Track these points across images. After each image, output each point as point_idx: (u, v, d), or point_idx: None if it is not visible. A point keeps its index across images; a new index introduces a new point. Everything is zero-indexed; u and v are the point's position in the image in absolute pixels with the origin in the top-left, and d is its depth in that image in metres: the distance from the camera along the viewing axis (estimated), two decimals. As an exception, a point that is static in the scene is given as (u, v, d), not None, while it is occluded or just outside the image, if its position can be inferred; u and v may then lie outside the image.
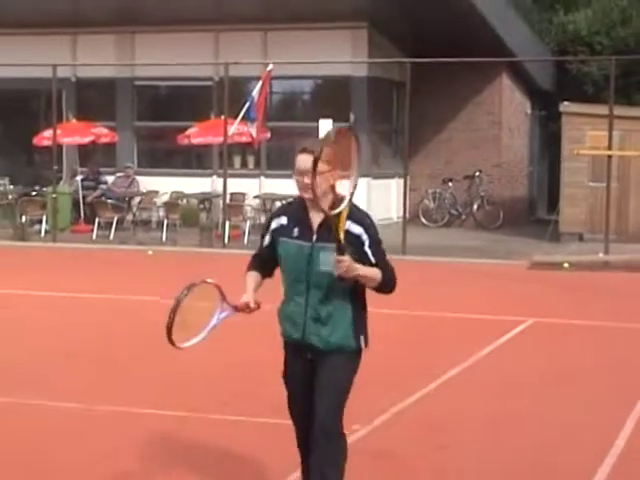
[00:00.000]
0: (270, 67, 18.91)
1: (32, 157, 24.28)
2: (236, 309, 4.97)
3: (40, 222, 20.62)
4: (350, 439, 5.89)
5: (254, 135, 18.85)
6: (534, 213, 26.67)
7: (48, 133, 20.83)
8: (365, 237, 4.72)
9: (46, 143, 20.99)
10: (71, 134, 21.18)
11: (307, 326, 4.77)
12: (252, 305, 4.92)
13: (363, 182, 18.91)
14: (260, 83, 18.68)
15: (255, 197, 21.28)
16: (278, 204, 20.90)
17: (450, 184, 23.61)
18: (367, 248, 4.71)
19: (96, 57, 22.06)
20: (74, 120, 21.83)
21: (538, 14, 28.44)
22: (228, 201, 19.95)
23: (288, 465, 5.84)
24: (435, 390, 7.99)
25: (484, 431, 6.93)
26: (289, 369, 4.95)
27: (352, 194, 4.59)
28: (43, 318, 11.44)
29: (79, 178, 21.58)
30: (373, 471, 5.27)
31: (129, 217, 21.39)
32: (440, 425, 6.98)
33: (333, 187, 4.72)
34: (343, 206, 4.52)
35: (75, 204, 21.24)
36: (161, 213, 21.02)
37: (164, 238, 19.61)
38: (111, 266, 16.64)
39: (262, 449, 6.33)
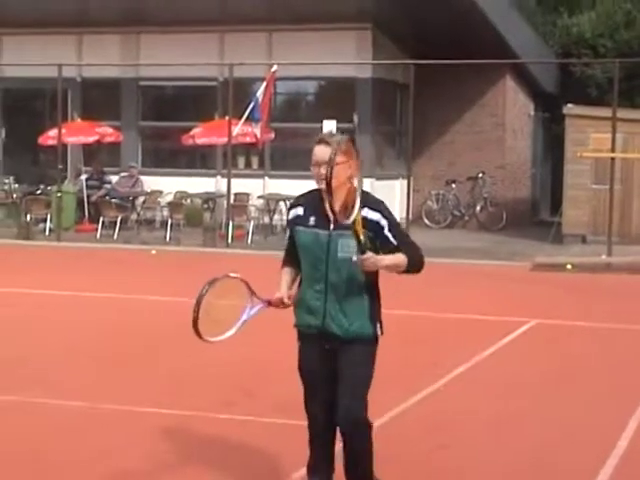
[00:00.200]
0: (275, 68, 18.96)
1: (37, 156, 24.32)
2: (269, 304, 5.02)
3: (44, 221, 20.67)
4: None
5: (258, 136, 18.89)
6: (537, 215, 26.68)
7: (53, 132, 20.87)
8: (384, 222, 4.82)
9: (51, 142, 21.04)
10: (76, 133, 21.23)
11: (326, 314, 4.85)
12: (286, 300, 4.98)
13: (367, 183, 18.86)
14: (264, 84, 18.72)
15: (259, 197, 21.31)
16: (282, 204, 20.97)
17: (453, 185, 23.64)
18: (387, 232, 4.81)
19: (101, 57, 22.12)
20: (79, 120, 21.87)
21: (542, 17, 28.48)
22: (232, 201, 20.00)
23: (292, 464, 5.88)
24: (437, 390, 8.02)
25: (486, 431, 6.97)
26: (305, 361, 5.00)
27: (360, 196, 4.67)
28: (47, 316, 11.49)
29: (84, 177, 21.61)
30: (375, 470, 5.31)
31: (133, 217, 21.43)
32: (442, 425, 7.01)
33: (350, 178, 4.82)
34: (355, 212, 4.59)
35: (79, 203, 21.29)
36: (165, 213, 21.06)
37: (168, 238, 19.65)
38: (115, 265, 16.69)
39: (267, 448, 6.36)
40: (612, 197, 17.70)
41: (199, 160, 23.18)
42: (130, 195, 21.55)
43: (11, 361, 8.89)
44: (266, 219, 20.99)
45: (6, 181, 23.33)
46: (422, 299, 12.53)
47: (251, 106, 18.54)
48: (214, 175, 22.09)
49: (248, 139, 19.50)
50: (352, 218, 4.60)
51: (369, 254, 4.65)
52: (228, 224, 19.14)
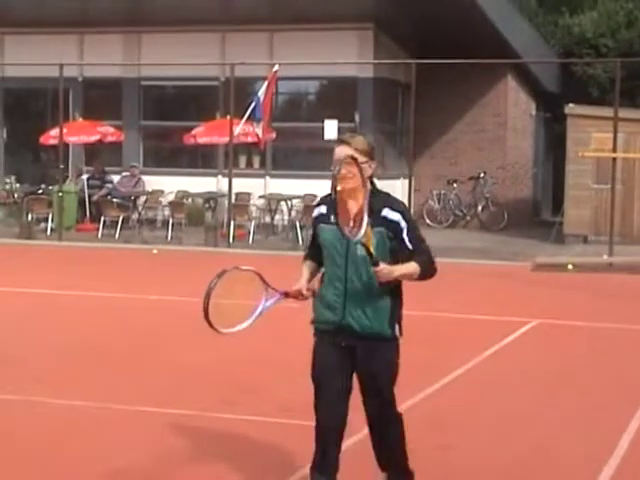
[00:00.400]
0: (276, 68, 18.95)
1: (38, 156, 24.34)
2: (287, 295, 5.05)
3: (46, 220, 20.68)
4: (354, 439, 5.96)
5: (260, 135, 18.89)
6: (538, 215, 26.69)
7: (55, 132, 20.89)
8: (403, 224, 4.90)
9: (52, 142, 21.06)
10: (77, 133, 21.25)
11: (345, 310, 4.92)
12: (305, 292, 5.04)
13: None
14: (266, 83, 18.72)
15: (260, 197, 21.32)
16: (283, 204, 20.98)
17: (455, 185, 23.64)
18: (405, 235, 4.89)
19: (103, 57, 22.12)
20: (80, 119, 21.89)
21: (543, 16, 28.50)
22: (233, 201, 20.01)
23: (294, 464, 5.89)
24: (439, 390, 8.02)
25: (486, 431, 6.96)
26: (319, 358, 5.05)
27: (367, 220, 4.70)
28: (48, 316, 11.49)
29: (85, 177, 21.63)
30: (377, 470, 5.31)
31: (134, 216, 21.43)
32: (442, 425, 7.01)
33: (370, 177, 4.92)
34: (364, 228, 4.63)
35: (81, 203, 21.30)
36: (166, 212, 21.06)
37: (169, 237, 19.66)
38: (116, 265, 16.70)
39: (269, 448, 6.37)
40: (614, 197, 17.70)
41: (200, 160, 23.18)
42: (131, 195, 21.55)
43: (12, 360, 8.89)
44: (267, 219, 21.00)
45: (8, 181, 23.34)
46: (422, 299, 12.51)
47: (252, 106, 18.53)
48: (215, 175, 22.09)
49: (249, 139, 19.50)
50: (361, 234, 4.65)
51: (382, 266, 4.73)
52: (229, 224, 19.15)
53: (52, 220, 20.49)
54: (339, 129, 21.16)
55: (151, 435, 6.69)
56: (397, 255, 4.90)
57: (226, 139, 19.46)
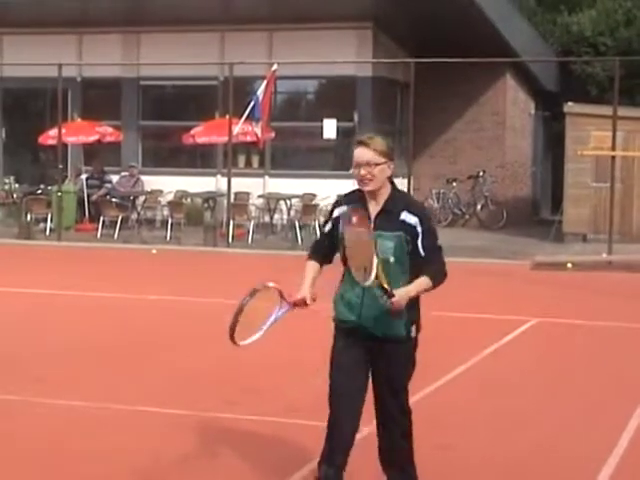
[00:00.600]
0: (275, 67, 18.95)
1: (37, 156, 24.34)
2: (294, 305, 5.06)
3: (45, 221, 20.68)
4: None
5: (259, 135, 18.88)
6: (538, 213, 26.70)
7: (53, 132, 20.89)
8: (420, 229, 4.93)
9: (51, 142, 21.05)
10: (76, 133, 21.25)
11: (363, 311, 4.95)
12: (309, 301, 5.05)
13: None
14: (265, 83, 18.72)
15: (259, 196, 21.32)
16: (282, 204, 20.98)
17: (454, 184, 23.64)
18: (419, 242, 4.93)
19: (102, 57, 22.13)
20: (79, 119, 21.89)
21: (542, 15, 28.49)
22: (232, 200, 20.01)
23: (295, 464, 5.89)
24: (438, 389, 8.02)
25: (487, 430, 6.96)
26: (338, 352, 5.08)
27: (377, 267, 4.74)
28: (47, 316, 11.49)
29: (84, 177, 21.63)
30: (376, 470, 5.32)
31: (133, 216, 21.44)
32: (443, 424, 7.01)
33: (390, 178, 4.98)
34: (374, 273, 4.66)
35: (80, 203, 21.31)
36: (165, 212, 21.07)
37: (168, 237, 19.66)
38: (115, 265, 16.70)
39: (271, 448, 6.37)
40: (613, 195, 17.70)
41: (199, 159, 23.18)
42: (130, 194, 21.56)
43: (12, 360, 8.89)
44: (266, 218, 21.00)
45: (7, 181, 23.35)
46: (422, 298, 12.53)
47: (251, 105, 18.53)
48: (214, 174, 22.09)
49: (249, 138, 19.50)
50: (371, 279, 4.68)
51: (396, 297, 4.76)
52: (228, 223, 19.15)
53: (51, 220, 20.49)
54: (338, 128, 21.19)
55: (151, 435, 6.69)
56: (413, 257, 4.95)
57: (225, 139, 19.46)
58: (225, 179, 19.78)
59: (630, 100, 22.46)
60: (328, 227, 5.15)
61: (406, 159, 19.28)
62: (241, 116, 18.65)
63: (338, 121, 21.16)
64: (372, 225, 4.92)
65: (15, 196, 22.52)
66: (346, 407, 5.02)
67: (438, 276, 5.00)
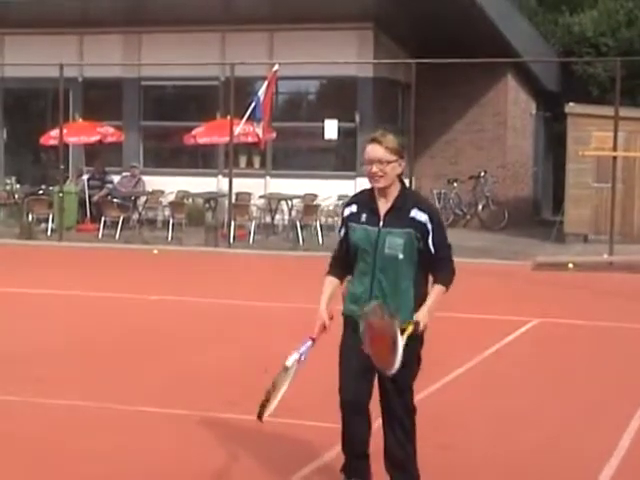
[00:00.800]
0: (276, 67, 18.95)
1: (39, 156, 24.35)
2: (314, 340, 5.17)
3: (46, 221, 20.68)
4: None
5: (261, 136, 18.87)
6: (539, 214, 26.69)
7: (55, 132, 20.89)
8: (430, 227, 5.02)
9: (53, 142, 21.05)
10: (77, 133, 21.24)
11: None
12: (327, 324, 5.16)
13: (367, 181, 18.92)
14: (266, 83, 18.71)
15: (261, 197, 21.32)
16: (284, 204, 20.99)
17: (455, 184, 23.63)
18: (430, 240, 5.02)
19: (103, 57, 22.13)
20: (80, 120, 21.89)
21: (543, 15, 28.49)
22: (234, 201, 20.01)
23: (295, 463, 5.89)
24: (440, 389, 8.01)
25: (488, 430, 6.96)
26: (346, 345, 5.16)
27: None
28: (48, 316, 11.50)
29: (85, 177, 21.64)
30: (376, 469, 5.32)
31: (135, 216, 21.44)
32: (444, 424, 7.00)
33: (400, 176, 5.08)
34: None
35: (81, 203, 21.31)
36: (167, 212, 21.06)
37: (170, 237, 19.66)
38: (117, 265, 16.71)
39: (270, 448, 6.37)
40: (614, 196, 17.70)
41: (201, 160, 23.18)
42: (132, 195, 21.56)
43: (12, 360, 8.90)
44: (268, 219, 21.00)
45: (8, 181, 23.36)
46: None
47: (252, 105, 18.52)
48: (216, 175, 22.09)
49: (250, 138, 19.49)
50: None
51: (421, 322, 4.94)
52: (230, 224, 19.15)
53: (52, 220, 20.49)
54: (339, 129, 21.19)
55: (151, 435, 6.69)
56: (423, 254, 5.03)
57: (226, 139, 19.46)
58: (226, 179, 19.78)
59: (631, 101, 22.47)
60: (343, 231, 5.24)
61: (407, 159, 19.23)
62: (242, 116, 18.65)
63: (339, 122, 21.16)
64: (382, 222, 5.03)
65: (16, 196, 22.53)
66: (353, 387, 5.09)
67: (449, 278, 5.11)
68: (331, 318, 5.15)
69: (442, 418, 7.14)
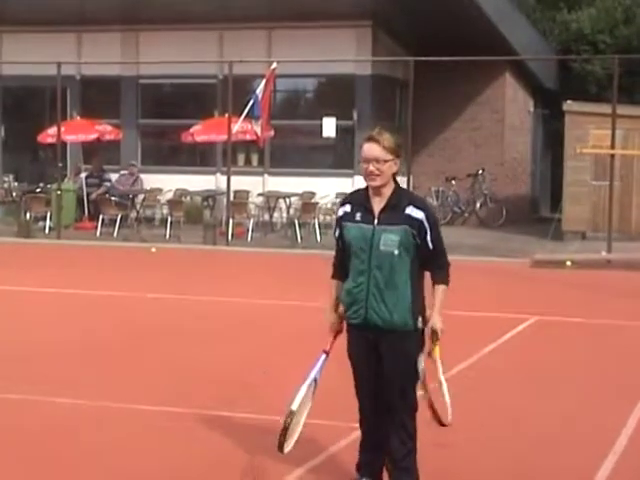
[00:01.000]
0: (274, 65, 18.94)
1: (37, 154, 24.35)
2: (328, 353, 5.27)
3: (44, 219, 20.68)
4: (351, 437, 5.97)
5: (259, 133, 18.87)
6: (537, 211, 26.69)
7: (52, 130, 20.87)
8: (427, 224, 5.06)
9: (50, 140, 21.05)
10: (75, 132, 21.24)
11: (368, 305, 5.08)
12: (338, 328, 5.29)
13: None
14: (264, 81, 18.71)
15: (259, 195, 21.32)
16: (282, 202, 20.99)
17: (453, 182, 23.64)
18: (428, 237, 5.06)
19: (101, 55, 22.13)
20: (78, 118, 21.88)
21: (541, 13, 28.48)
22: (232, 199, 20.01)
23: (293, 463, 5.89)
24: (435, 389, 8.01)
25: (486, 428, 6.97)
26: (353, 348, 5.24)
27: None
28: (47, 314, 11.50)
29: (83, 175, 21.63)
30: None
31: (133, 214, 21.43)
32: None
33: (394, 175, 5.09)
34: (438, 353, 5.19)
35: (79, 201, 21.31)
36: (165, 210, 21.06)
37: (168, 235, 19.65)
38: (115, 263, 16.70)
39: (269, 446, 6.37)
40: (612, 193, 17.70)
41: (199, 158, 23.18)
42: (130, 193, 21.56)
43: (11, 359, 8.90)
44: (266, 216, 21.01)
45: (6, 179, 23.35)
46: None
47: (251, 103, 18.51)
48: (214, 173, 22.10)
49: (248, 136, 19.49)
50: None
51: (435, 326, 5.16)
52: (228, 222, 19.15)
53: (50, 218, 20.49)
54: (337, 127, 21.18)
55: (150, 433, 6.70)
56: (420, 251, 5.08)
57: (224, 137, 19.46)
58: (224, 177, 19.79)
59: (629, 98, 22.45)
60: (338, 231, 5.27)
61: (405, 157, 19.26)
62: (240, 114, 18.65)
63: (337, 119, 21.16)
64: (376, 220, 5.06)
65: (14, 194, 22.53)
66: (369, 397, 5.22)
67: (447, 274, 5.20)
68: (340, 321, 5.25)
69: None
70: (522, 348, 9.94)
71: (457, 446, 6.48)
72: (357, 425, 5.42)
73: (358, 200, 5.17)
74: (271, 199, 21.11)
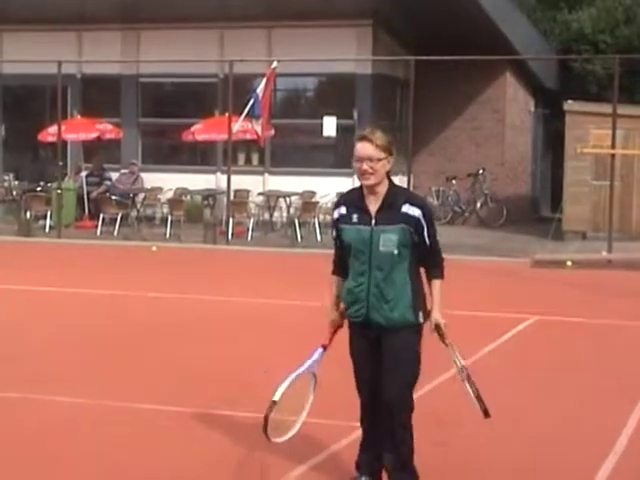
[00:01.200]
0: (275, 64, 18.94)
1: (37, 153, 24.35)
2: (326, 347, 5.30)
3: (45, 218, 20.67)
4: (352, 436, 5.97)
5: (259, 132, 18.86)
6: (537, 211, 26.69)
7: (53, 129, 20.87)
8: (423, 222, 5.11)
9: (51, 139, 21.05)
10: (76, 130, 21.23)
11: (370, 304, 5.12)
12: (339, 321, 5.32)
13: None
14: (265, 80, 18.71)
15: (259, 194, 21.32)
16: (282, 201, 20.98)
17: (454, 182, 23.64)
18: (426, 234, 5.13)
19: (101, 54, 22.13)
20: (79, 116, 21.88)
21: (542, 12, 28.47)
22: (232, 198, 20.01)
23: (293, 462, 5.89)
24: (437, 387, 8.01)
25: (486, 427, 6.95)
26: (354, 347, 5.28)
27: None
28: (47, 313, 11.50)
29: (84, 174, 21.63)
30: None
31: (133, 213, 21.43)
32: (442, 421, 7.01)
33: (388, 173, 5.12)
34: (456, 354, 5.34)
35: (80, 200, 21.31)
36: (165, 209, 21.06)
37: (168, 234, 19.65)
38: (115, 262, 16.70)
39: (269, 445, 6.37)
40: (612, 193, 17.70)
41: (199, 157, 23.18)
42: (130, 192, 21.55)
43: (11, 358, 8.90)
44: (266, 216, 21.00)
45: (6, 178, 23.35)
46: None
47: (251, 103, 18.51)
48: (214, 172, 22.09)
49: (248, 136, 19.49)
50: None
51: (438, 322, 5.22)
52: (228, 221, 19.15)
53: (51, 217, 20.48)
54: (338, 126, 21.18)
55: (151, 433, 6.70)
56: (418, 247, 5.14)
57: (225, 136, 19.46)
58: (225, 176, 19.79)
59: (630, 98, 22.45)
60: (334, 233, 5.30)
61: (405, 156, 19.28)
62: (241, 114, 18.64)
63: (338, 118, 21.15)
64: (373, 221, 5.08)
65: (15, 193, 22.53)
66: (370, 395, 5.25)
67: (442, 268, 5.29)
68: (342, 317, 5.26)
69: (439, 415, 7.14)
70: (522, 348, 9.93)
71: (457, 445, 6.48)
72: (358, 424, 5.42)
73: (353, 201, 5.19)
74: (271, 198, 21.11)
